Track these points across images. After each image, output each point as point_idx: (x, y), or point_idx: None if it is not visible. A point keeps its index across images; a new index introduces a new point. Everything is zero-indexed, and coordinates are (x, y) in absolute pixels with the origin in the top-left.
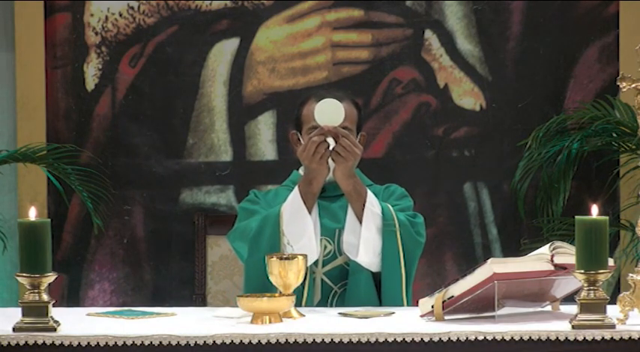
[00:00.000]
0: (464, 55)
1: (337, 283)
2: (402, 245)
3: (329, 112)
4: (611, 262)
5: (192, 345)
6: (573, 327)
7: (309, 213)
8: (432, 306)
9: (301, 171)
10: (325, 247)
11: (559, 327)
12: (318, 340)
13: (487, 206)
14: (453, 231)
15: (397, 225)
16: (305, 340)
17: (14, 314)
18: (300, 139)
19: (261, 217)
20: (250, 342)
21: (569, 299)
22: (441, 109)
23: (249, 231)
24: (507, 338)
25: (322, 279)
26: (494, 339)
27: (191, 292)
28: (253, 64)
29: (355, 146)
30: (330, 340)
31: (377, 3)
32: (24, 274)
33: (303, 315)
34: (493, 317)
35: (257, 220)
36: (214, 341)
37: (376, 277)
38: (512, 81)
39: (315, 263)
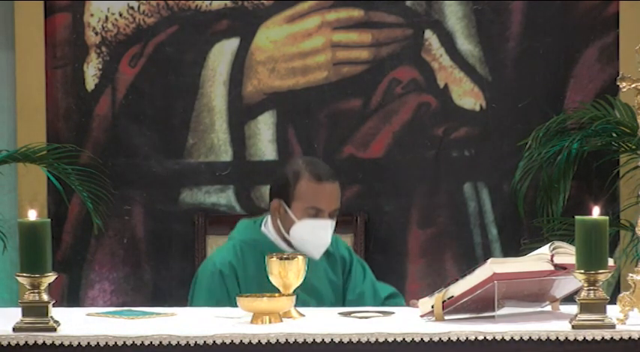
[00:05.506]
0: (464, 55)
1: None
2: None
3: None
4: (611, 262)
5: (192, 345)
6: (573, 327)
7: None
8: (432, 306)
9: (248, 225)
10: None
11: (559, 327)
12: (318, 340)
13: (487, 206)
14: (453, 231)
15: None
16: (305, 340)
17: (14, 314)
18: (288, 211)
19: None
20: (250, 342)
21: (569, 299)
22: (441, 109)
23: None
24: (507, 338)
25: None
26: (494, 339)
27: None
28: (253, 64)
29: None
30: (330, 340)
31: (377, 3)
32: (24, 274)
33: (303, 315)
34: (493, 317)
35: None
36: (214, 341)
37: None
38: (512, 81)
39: None
